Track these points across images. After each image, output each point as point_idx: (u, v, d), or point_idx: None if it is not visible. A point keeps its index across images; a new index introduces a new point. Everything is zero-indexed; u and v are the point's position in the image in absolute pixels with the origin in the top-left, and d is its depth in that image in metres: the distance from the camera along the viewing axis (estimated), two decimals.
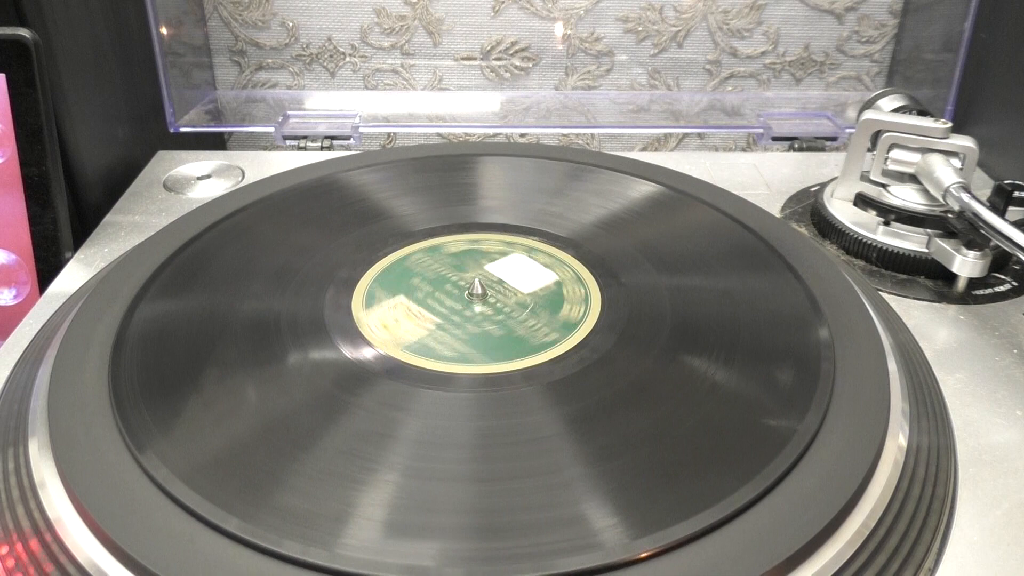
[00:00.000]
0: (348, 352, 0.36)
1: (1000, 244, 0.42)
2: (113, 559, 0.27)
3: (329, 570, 0.26)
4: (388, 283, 0.42)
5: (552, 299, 0.40)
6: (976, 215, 0.43)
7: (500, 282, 0.41)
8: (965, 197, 0.44)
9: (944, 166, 0.47)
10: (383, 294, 0.41)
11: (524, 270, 0.42)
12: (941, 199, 0.46)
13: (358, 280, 0.42)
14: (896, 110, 0.52)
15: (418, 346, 0.37)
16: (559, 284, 0.40)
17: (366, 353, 0.36)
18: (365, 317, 0.39)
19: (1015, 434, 0.36)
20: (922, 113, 0.51)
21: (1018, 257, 0.41)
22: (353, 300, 0.40)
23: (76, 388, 0.34)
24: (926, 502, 0.31)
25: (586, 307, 0.39)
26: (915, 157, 0.49)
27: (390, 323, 0.38)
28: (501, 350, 0.37)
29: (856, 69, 0.76)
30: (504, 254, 0.43)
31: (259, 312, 0.39)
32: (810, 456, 0.30)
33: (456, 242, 0.45)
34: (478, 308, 0.40)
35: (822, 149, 0.65)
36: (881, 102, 0.53)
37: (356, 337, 0.37)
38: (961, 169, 0.47)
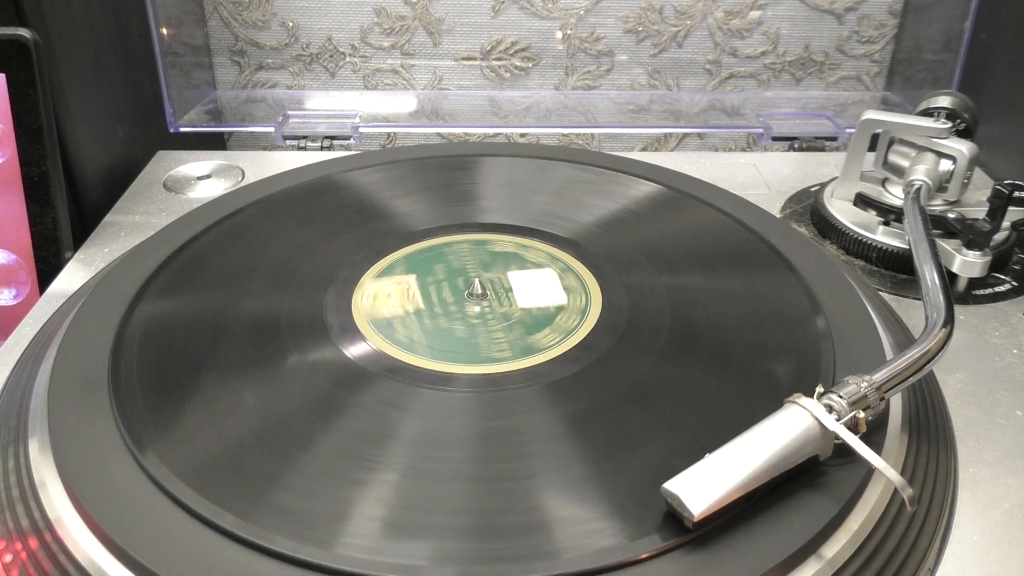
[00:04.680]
0: (348, 351, 0.36)
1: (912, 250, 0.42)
2: (113, 559, 0.27)
3: (325, 569, 0.26)
4: (415, 262, 0.42)
5: (538, 321, 0.39)
6: (905, 215, 0.44)
7: (508, 290, 0.41)
8: (909, 200, 0.45)
9: (923, 165, 0.47)
10: (401, 269, 0.41)
11: (540, 286, 0.41)
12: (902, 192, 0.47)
13: (370, 265, 0.43)
14: (947, 109, 0.51)
15: (383, 323, 0.38)
16: (559, 309, 0.40)
17: (366, 352, 0.36)
18: (368, 284, 0.39)
19: (1015, 434, 0.36)
20: (967, 131, 0.50)
21: (913, 262, 0.40)
22: (372, 268, 0.42)
23: (76, 388, 0.34)
24: (926, 502, 0.31)
25: (565, 335, 0.38)
26: (912, 153, 0.49)
27: (381, 296, 0.38)
28: (448, 351, 0.37)
29: (856, 69, 0.76)
30: (540, 267, 0.43)
31: (258, 312, 0.39)
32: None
33: (505, 242, 0.45)
34: (473, 308, 0.40)
35: (822, 149, 0.65)
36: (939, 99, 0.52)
37: (354, 334, 0.38)
38: (951, 171, 0.47)
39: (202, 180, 0.59)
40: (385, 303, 0.39)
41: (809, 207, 0.54)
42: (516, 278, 0.42)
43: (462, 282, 0.41)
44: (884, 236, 0.48)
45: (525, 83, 0.76)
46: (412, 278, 0.41)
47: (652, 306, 0.39)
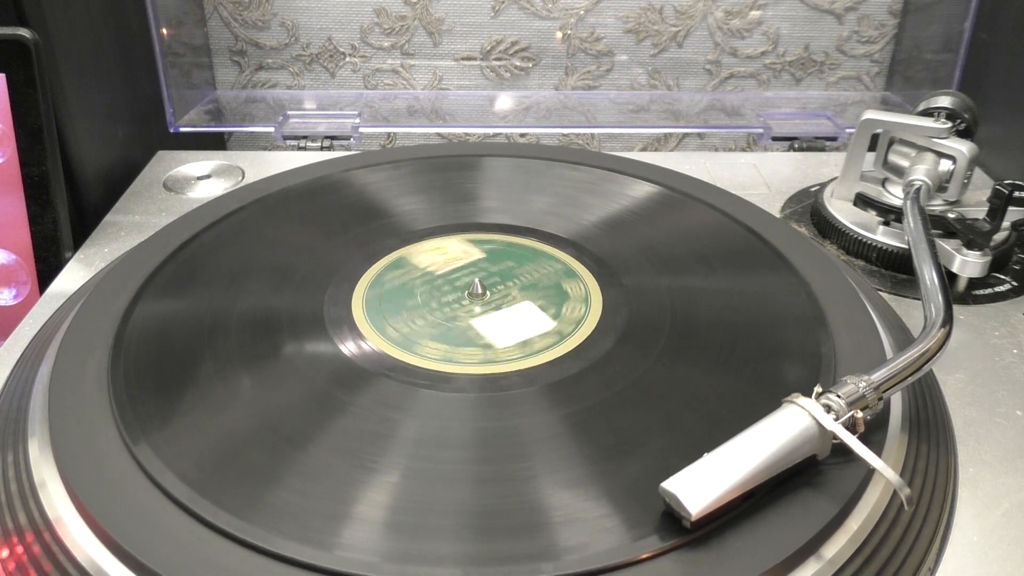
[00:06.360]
0: (347, 351, 0.36)
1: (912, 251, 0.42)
2: (113, 558, 0.27)
3: (327, 571, 0.26)
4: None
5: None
6: (905, 215, 0.44)
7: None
8: (909, 200, 0.45)
9: (923, 165, 0.47)
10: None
11: (520, 322, 0.39)
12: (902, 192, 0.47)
13: (370, 265, 0.43)
14: (947, 109, 0.51)
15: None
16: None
17: (365, 352, 0.36)
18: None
19: (1015, 434, 0.36)
20: (967, 131, 0.50)
21: (913, 262, 0.40)
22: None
23: (76, 388, 0.34)
24: (926, 502, 0.31)
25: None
26: (912, 153, 0.49)
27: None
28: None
29: (856, 69, 0.76)
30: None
31: (258, 312, 0.39)
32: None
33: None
34: (476, 306, 0.40)
35: (822, 149, 0.65)
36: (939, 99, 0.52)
37: (355, 335, 0.38)
38: (951, 171, 0.47)
39: (202, 180, 0.59)
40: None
41: (809, 207, 0.54)
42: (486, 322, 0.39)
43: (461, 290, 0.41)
44: (884, 236, 0.48)
45: (525, 83, 0.76)
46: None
47: (652, 306, 0.39)
